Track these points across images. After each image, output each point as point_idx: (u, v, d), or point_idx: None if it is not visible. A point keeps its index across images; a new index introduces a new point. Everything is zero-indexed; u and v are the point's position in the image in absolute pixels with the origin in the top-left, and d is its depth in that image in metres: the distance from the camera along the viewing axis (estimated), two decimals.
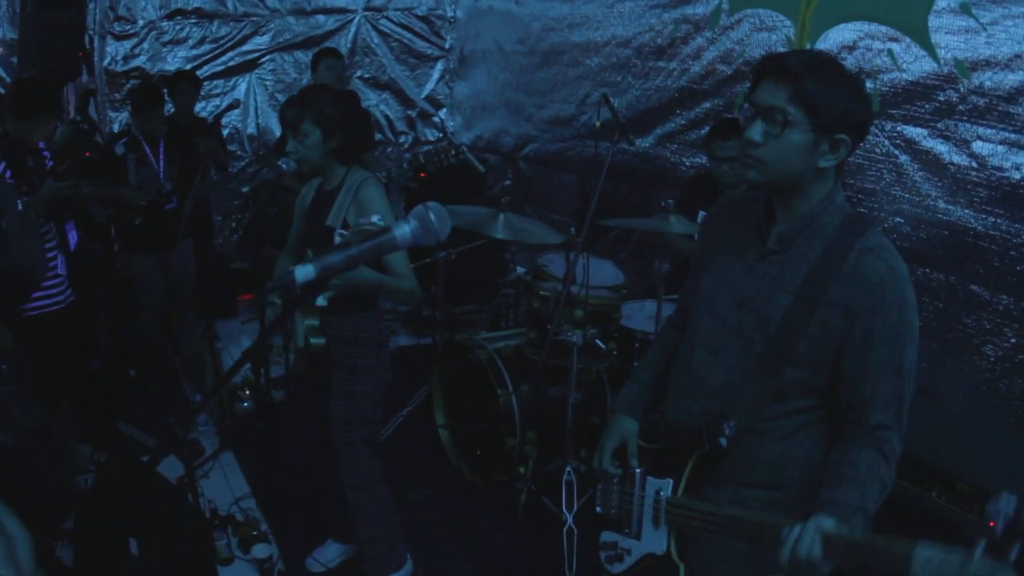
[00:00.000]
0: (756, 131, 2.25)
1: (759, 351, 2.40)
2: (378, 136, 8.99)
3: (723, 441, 2.44)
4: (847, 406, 2.34)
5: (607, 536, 2.82)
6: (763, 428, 2.44)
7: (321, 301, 3.57)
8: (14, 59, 7.08)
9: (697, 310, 2.64)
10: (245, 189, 4.27)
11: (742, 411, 2.42)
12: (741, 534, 2.29)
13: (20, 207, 4.37)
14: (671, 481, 2.58)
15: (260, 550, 4.50)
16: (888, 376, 2.27)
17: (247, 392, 5.96)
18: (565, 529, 4.37)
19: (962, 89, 4.33)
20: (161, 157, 5.69)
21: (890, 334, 2.26)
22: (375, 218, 3.32)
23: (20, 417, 3.39)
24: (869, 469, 2.24)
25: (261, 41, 8.39)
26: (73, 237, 5.26)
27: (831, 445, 2.41)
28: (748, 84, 2.52)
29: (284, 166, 4.02)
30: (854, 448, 2.29)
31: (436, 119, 9.39)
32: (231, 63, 8.32)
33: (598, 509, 2.85)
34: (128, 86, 7.72)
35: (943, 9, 4.37)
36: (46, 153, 4.93)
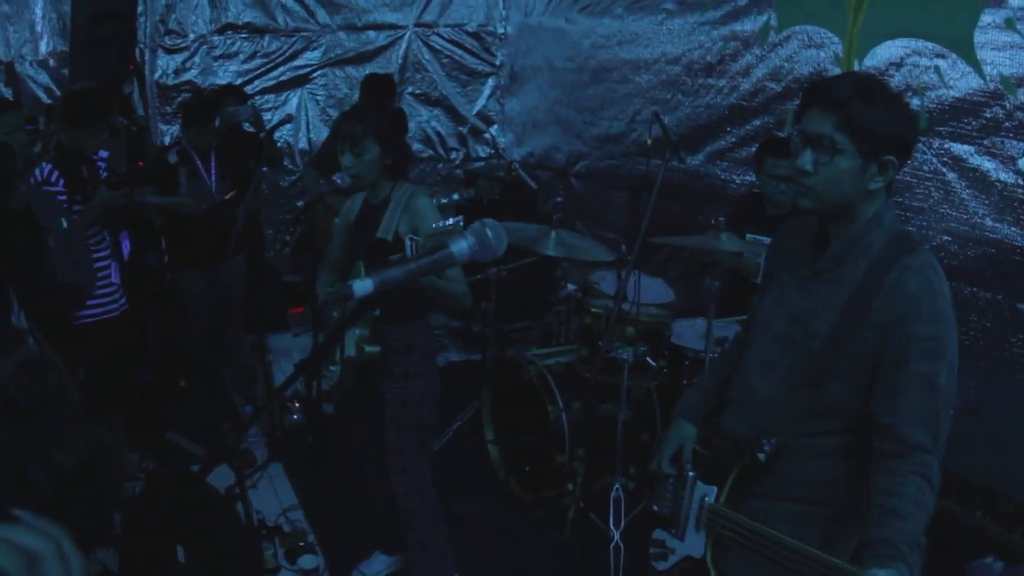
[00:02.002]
0: (807, 160, 2.30)
1: (803, 367, 2.44)
2: (429, 152, 9.03)
3: (761, 456, 2.48)
4: (881, 424, 2.32)
5: (658, 534, 2.88)
6: (803, 444, 2.47)
7: (375, 311, 3.62)
8: (64, 71, 7.20)
9: (756, 326, 2.71)
10: (300, 203, 4.31)
11: (784, 425, 2.46)
12: (777, 559, 2.29)
13: (65, 225, 4.45)
14: (715, 488, 2.63)
15: (307, 561, 4.53)
16: (921, 390, 2.26)
17: (297, 405, 6.00)
18: (612, 546, 4.35)
19: (1008, 105, 4.29)
20: (213, 170, 5.75)
21: (923, 348, 2.26)
22: (450, 221, 3.36)
23: (80, 439, 3.42)
24: (916, 501, 2.20)
25: (312, 56, 8.45)
26: (127, 246, 5.32)
27: (868, 466, 2.41)
28: (798, 102, 2.54)
29: (339, 181, 4.05)
30: (898, 477, 2.24)
31: (487, 135, 9.42)
32: (282, 78, 8.37)
33: (654, 507, 2.90)
34: (179, 100, 7.82)
35: (988, 25, 4.33)
36: (101, 164, 5.00)
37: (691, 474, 2.74)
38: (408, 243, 3.72)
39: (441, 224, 3.47)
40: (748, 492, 2.60)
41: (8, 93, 7.13)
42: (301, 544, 4.70)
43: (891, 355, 2.29)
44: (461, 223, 3.52)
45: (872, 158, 2.25)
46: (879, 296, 2.30)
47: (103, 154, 5.13)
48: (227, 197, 5.72)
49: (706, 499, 2.64)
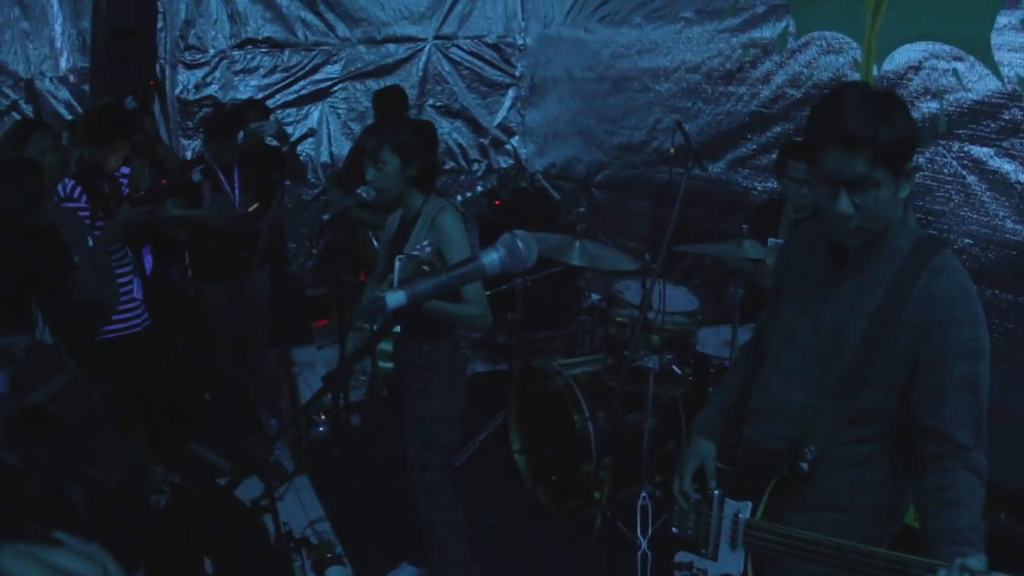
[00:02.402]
0: (846, 204, 2.24)
1: (836, 375, 2.42)
2: (451, 164, 9.07)
3: (804, 465, 2.45)
4: (925, 427, 2.32)
5: (682, 556, 2.82)
6: (839, 453, 2.45)
7: (396, 327, 3.62)
8: (85, 87, 7.25)
9: (775, 336, 2.67)
10: (325, 216, 4.33)
11: (821, 435, 2.43)
12: (839, 565, 2.27)
13: (91, 243, 4.49)
14: (750, 503, 2.58)
15: (335, 572, 4.53)
16: (964, 393, 2.27)
17: (323, 417, 6.02)
18: (639, 554, 4.35)
19: None
20: (236, 185, 5.79)
21: (963, 350, 2.27)
22: (424, 244, 3.38)
23: (120, 458, 3.44)
24: (971, 490, 2.23)
25: (332, 70, 8.52)
26: (148, 262, 5.35)
27: (905, 472, 2.43)
28: None
29: (365, 194, 4.07)
30: (950, 473, 2.26)
31: (509, 147, 9.44)
32: (303, 92, 8.46)
33: (674, 530, 2.86)
34: (200, 115, 7.88)
35: (1004, 26, 4.32)
36: (122, 180, 5.04)
37: (717, 492, 2.70)
38: (397, 263, 3.73)
39: (416, 250, 3.50)
40: (785, 504, 2.56)
41: (28, 110, 7.17)
42: (328, 556, 4.70)
43: (930, 359, 2.29)
44: (428, 249, 3.58)
45: (903, 176, 2.25)
46: (911, 301, 2.29)
47: (124, 170, 5.17)
48: (250, 209, 5.75)
49: (740, 515, 2.59)
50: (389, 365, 3.86)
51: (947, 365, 2.27)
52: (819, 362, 2.48)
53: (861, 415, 2.41)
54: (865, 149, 2.16)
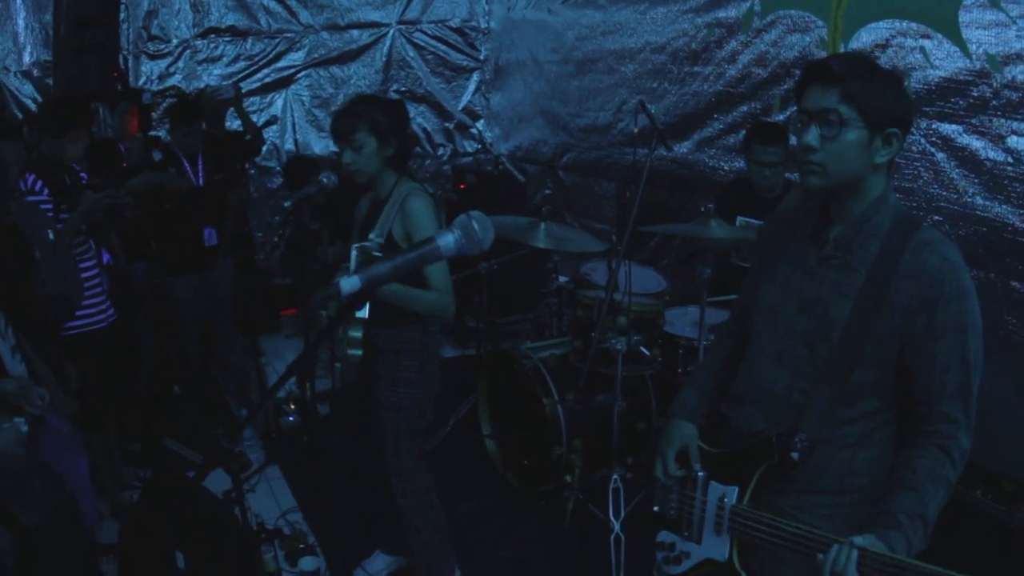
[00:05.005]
0: (813, 136, 2.27)
1: (825, 357, 2.40)
2: (416, 150, 9.02)
3: (795, 455, 2.40)
4: (915, 402, 2.33)
5: (665, 536, 2.77)
6: (831, 435, 2.42)
7: (362, 312, 3.58)
8: (49, 81, 7.18)
9: (758, 318, 2.63)
10: (287, 204, 4.29)
11: (811, 419, 2.40)
12: (803, 549, 2.27)
13: (52, 236, 4.43)
14: (736, 489, 2.54)
15: (307, 563, 4.51)
16: (955, 366, 2.28)
17: (292, 407, 5.99)
18: (612, 537, 4.34)
19: (995, 84, 4.30)
20: (200, 172, 5.75)
21: (952, 324, 2.27)
22: (373, 235, 3.35)
23: (44, 494, 3.35)
24: (929, 471, 2.24)
25: (296, 57, 8.47)
26: (106, 257, 5.28)
27: (897, 448, 2.41)
28: (785, 87, 2.53)
29: (325, 180, 4.03)
30: (915, 450, 2.29)
31: (474, 131, 9.40)
32: (267, 80, 8.40)
33: (655, 508, 2.81)
34: (164, 105, 7.81)
35: (972, 4, 4.35)
36: (83, 175, 4.97)
37: (701, 474, 2.65)
38: (352, 252, 3.70)
39: (367, 242, 3.49)
40: (775, 490, 2.52)
41: None
42: (301, 546, 4.68)
43: (920, 334, 2.29)
44: (379, 241, 3.60)
45: (877, 130, 2.24)
46: (897, 277, 2.28)
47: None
48: (214, 179, 5.73)
49: (726, 500, 2.55)
50: (359, 352, 3.82)
51: (938, 340, 2.27)
52: (804, 343, 2.46)
53: (855, 395, 2.38)
54: (837, 85, 2.23)
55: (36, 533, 3.24)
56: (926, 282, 2.26)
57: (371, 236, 3.69)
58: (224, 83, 6.65)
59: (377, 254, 3.52)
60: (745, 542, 2.52)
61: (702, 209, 4.72)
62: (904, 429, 2.40)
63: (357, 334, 3.81)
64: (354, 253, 3.70)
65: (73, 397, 4.23)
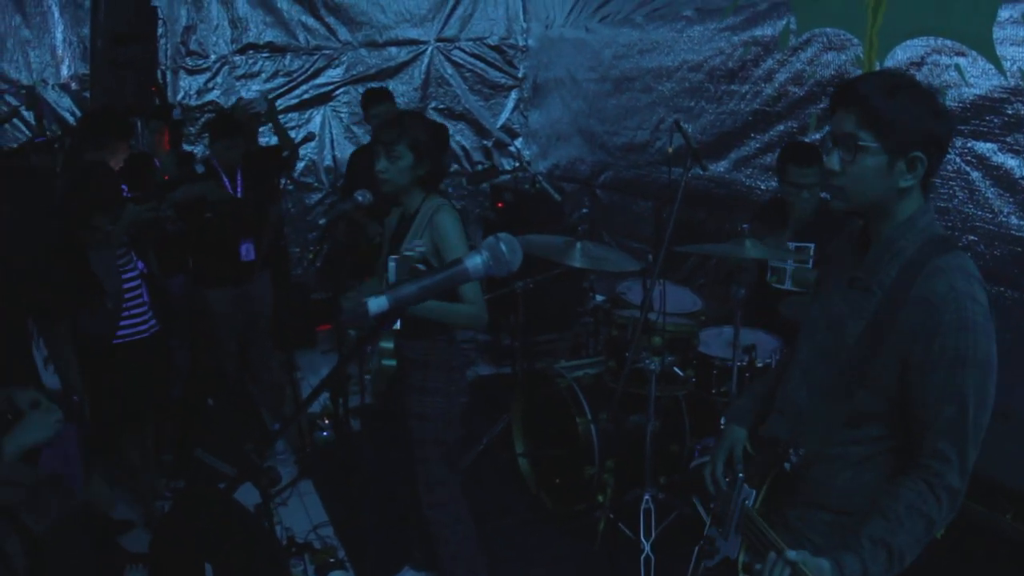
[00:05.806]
0: (834, 160, 2.28)
1: (835, 375, 2.40)
2: (455, 167, 9.05)
3: (787, 466, 2.45)
4: (910, 432, 2.30)
5: (710, 531, 2.83)
6: (834, 453, 2.42)
7: (396, 324, 3.61)
8: (87, 94, 7.25)
9: (802, 331, 2.67)
10: (322, 221, 4.32)
11: (815, 435, 2.42)
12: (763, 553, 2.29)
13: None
14: (755, 492, 2.59)
15: None
16: (948, 402, 2.20)
17: (326, 421, 6.01)
18: (643, 557, 4.33)
19: None
20: (240, 186, 5.79)
21: (949, 357, 2.19)
22: (416, 243, 3.37)
23: (54, 503, 3.36)
24: (910, 504, 2.19)
25: (334, 74, 8.52)
26: (140, 266, 5.32)
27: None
28: (821, 105, 2.54)
29: (360, 198, 4.05)
30: (903, 479, 2.25)
31: (512, 148, 9.41)
32: (305, 96, 8.45)
33: (712, 505, 2.86)
34: (202, 120, 7.88)
35: (1006, 20, 4.31)
36: (124, 187, 5.01)
37: (741, 475, 2.68)
38: (390, 264, 3.72)
39: (408, 251, 3.49)
40: (783, 500, 2.56)
41: (30, 116, 7.19)
42: (331, 560, 4.70)
43: (916, 363, 2.24)
44: (421, 249, 3.62)
45: (899, 155, 2.21)
46: (907, 304, 2.24)
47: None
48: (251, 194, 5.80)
49: (746, 502, 2.59)
50: (392, 363, 3.85)
51: (929, 372, 2.22)
52: (823, 360, 2.47)
53: (858, 417, 2.37)
54: (854, 109, 2.22)
55: (45, 538, 3.26)
56: (927, 310, 2.21)
57: (413, 245, 3.71)
58: (256, 96, 6.70)
59: (420, 266, 3.56)
60: (750, 546, 2.55)
61: (739, 229, 4.70)
62: (905, 459, 2.35)
63: (389, 345, 3.83)
64: (392, 264, 3.72)
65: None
